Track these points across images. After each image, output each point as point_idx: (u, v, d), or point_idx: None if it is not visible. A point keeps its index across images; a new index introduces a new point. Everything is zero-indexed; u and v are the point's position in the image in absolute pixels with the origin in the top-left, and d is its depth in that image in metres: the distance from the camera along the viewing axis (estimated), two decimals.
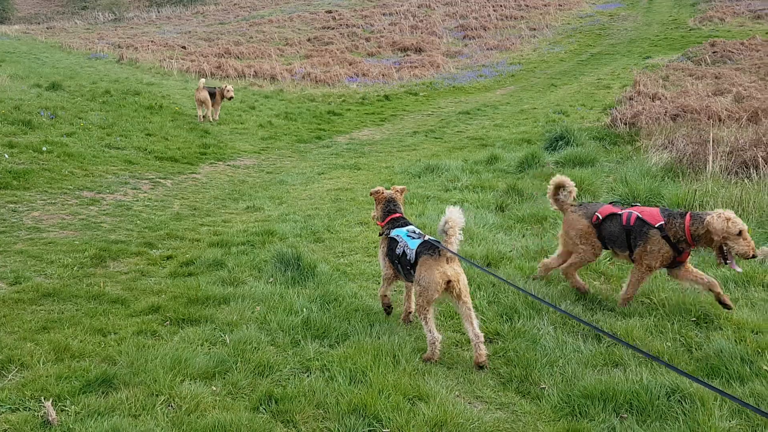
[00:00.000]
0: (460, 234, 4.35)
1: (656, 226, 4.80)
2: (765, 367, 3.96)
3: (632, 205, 5.17)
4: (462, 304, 4.36)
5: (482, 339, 4.30)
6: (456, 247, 4.33)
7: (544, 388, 3.97)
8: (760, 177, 7.36)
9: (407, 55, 29.50)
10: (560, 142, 11.34)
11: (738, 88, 14.64)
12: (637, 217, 4.91)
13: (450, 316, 5.03)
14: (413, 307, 4.90)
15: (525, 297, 5.13)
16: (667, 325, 4.61)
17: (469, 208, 7.93)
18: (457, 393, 4.00)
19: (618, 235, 5.01)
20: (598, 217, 5.11)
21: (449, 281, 4.31)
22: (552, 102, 18.64)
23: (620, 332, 4.53)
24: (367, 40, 33.26)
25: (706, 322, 4.64)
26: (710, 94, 14.73)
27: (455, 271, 4.36)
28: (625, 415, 3.62)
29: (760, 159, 7.64)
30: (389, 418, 3.61)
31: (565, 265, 5.31)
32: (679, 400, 3.67)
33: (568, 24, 36.25)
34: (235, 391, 4.01)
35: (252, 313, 5.12)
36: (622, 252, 5.07)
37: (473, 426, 3.58)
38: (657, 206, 5.34)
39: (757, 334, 4.42)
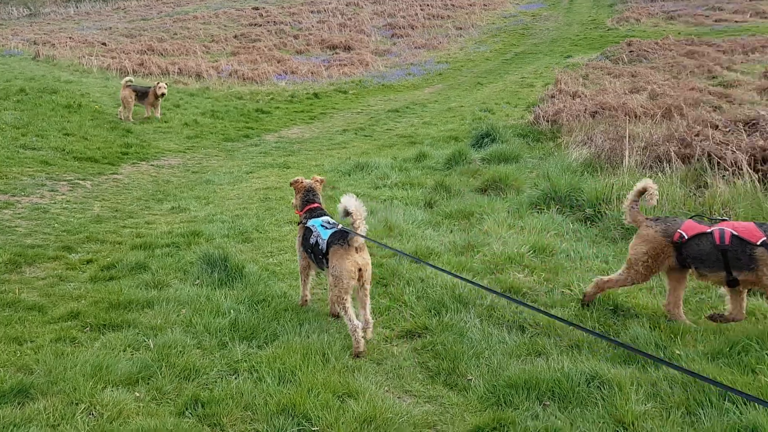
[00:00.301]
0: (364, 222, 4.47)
1: (759, 243, 4.25)
2: (678, 352, 4.17)
3: (721, 221, 4.61)
4: (362, 290, 4.57)
5: (371, 325, 4.58)
6: (364, 233, 4.44)
7: (470, 380, 4.06)
8: (672, 170, 7.73)
9: (336, 53, 29.43)
10: (486, 140, 11.59)
11: (653, 86, 15.32)
12: (733, 235, 4.36)
13: (380, 312, 5.06)
14: (309, 294, 5.20)
15: (452, 291, 5.22)
16: (587, 314, 4.79)
17: (399, 205, 8.01)
18: (386, 388, 4.04)
19: (710, 255, 4.42)
20: (682, 235, 4.54)
21: (360, 269, 4.43)
22: (478, 100, 19.01)
23: (543, 322, 4.68)
24: (296, 37, 32.98)
25: (623, 311, 4.85)
26: (627, 91, 15.35)
27: (365, 260, 4.52)
28: (548, 403, 3.74)
29: (672, 153, 8.02)
30: (319, 417, 3.60)
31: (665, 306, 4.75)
32: (598, 386, 3.81)
33: (493, 24, 37.03)
34: (159, 396, 3.91)
35: (177, 316, 5.00)
36: (715, 273, 4.47)
37: (402, 420, 3.63)
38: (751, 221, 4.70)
39: (670, 320, 4.65)
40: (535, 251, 6.18)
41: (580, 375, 3.90)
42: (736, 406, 3.46)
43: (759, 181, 7.16)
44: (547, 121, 12.63)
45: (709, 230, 4.47)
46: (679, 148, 8.16)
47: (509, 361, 4.23)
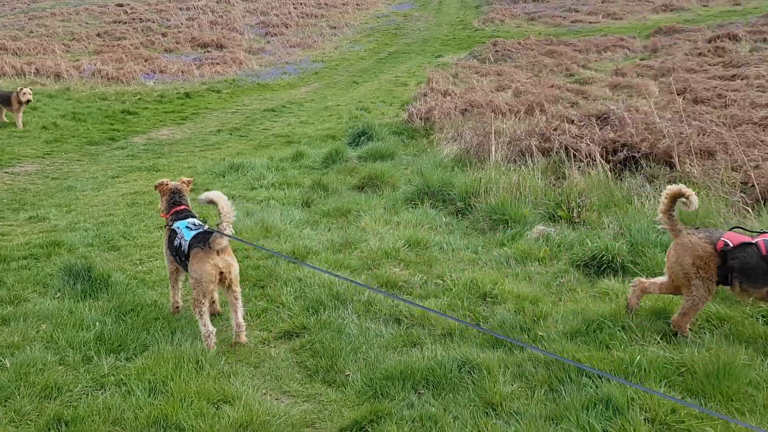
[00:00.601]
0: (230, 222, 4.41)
1: None
2: (540, 333, 4.44)
3: (762, 232, 4.27)
4: (231, 293, 4.49)
5: (243, 329, 4.53)
6: (230, 232, 4.37)
7: (348, 375, 4.10)
8: (534, 163, 8.20)
9: (208, 52, 28.55)
10: (363, 138, 11.71)
11: (517, 84, 16.14)
12: None
13: (257, 315, 4.99)
14: (180, 301, 5.05)
15: (330, 289, 5.24)
16: (459, 303, 4.97)
17: (276, 206, 7.92)
18: (264, 391, 3.99)
19: (756, 268, 4.04)
20: (726, 243, 4.14)
21: (221, 272, 4.34)
22: (355, 99, 19.16)
23: (418, 314, 4.80)
24: (164, 35, 31.67)
25: (491, 297, 5.08)
26: (494, 89, 16.06)
27: (227, 262, 4.44)
28: (422, 391, 3.85)
29: (534, 147, 8.51)
30: (192, 426, 3.50)
31: (676, 316, 4.34)
32: (469, 371, 3.98)
33: (367, 23, 37.47)
34: (18, 418, 3.65)
35: (36, 332, 4.67)
36: (759, 289, 4.11)
37: (280, 421, 3.60)
38: None
39: (534, 304, 4.93)
40: (410, 245, 6.33)
41: (452, 362, 4.05)
42: (593, 380, 3.74)
43: (610, 171, 7.75)
44: (421, 119, 12.96)
45: (753, 241, 4.11)
46: (540, 142, 8.67)
47: (386, 353, 4.32)
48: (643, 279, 4.61)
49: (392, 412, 3.63)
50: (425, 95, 15.97)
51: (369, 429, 3.54)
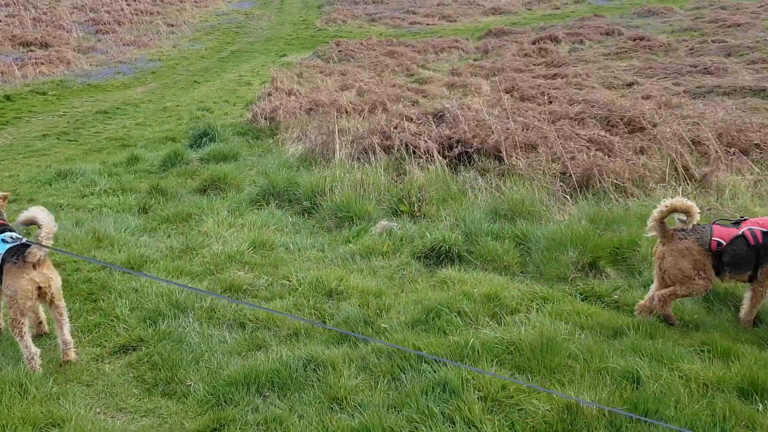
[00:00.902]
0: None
1: None
2: (384, 325, 4.57)
3: (743, 220, 4.57)
4: (54, 310, 4.24)
5: (72, 346, 4.27)
6: (49, 244, 4.11)
7: (190, 385, 3.98)
8: (377, 161, 8.41)
9: (31, 51, 26.21)
10: (205, 139, 11.36)
11: (360, 83, 16.43)
12: (763, 232, 4.36)
13: (88, 330, 4.69)
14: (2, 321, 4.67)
15: (169, 298, 5.04)
16: (305, 302, 4.99)
17: (109, 214, 7.47)
18: (98, 410, 3.77)
19: (744, 257, 4.38)
20: (719, 243, 4.41)
21: (40, 287, 4.07)
22: (196, 99, 18.51)
23: (263, 316, 4.75)
24: None
25: (337, 294, 5.15)
26: (338, 89, 16.24)
27: (46, 276, 4.16)
28: (268, 393, 3.83)
29: (376, 145, 8.72)
30: None
31: (667, 291, 4.53)
32: (314, 369, 4.01)
33: (207, 21, 36.32)
34: None
35: None
36: (743, 273, 4.46)
37: None
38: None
39: (378, 297, 5.06)
40: (255, 247, 6.25)
41: (297, 361, 4.07)
42: (431, 366, 3.91)
43: (447, 166, 8.13)
44: (265, 119, 12.81)
45: (740, 232, 4.41)
46: (382, 140, 8.89)
47: (230, 359, 4.24)
48: (642, 302, 4.68)
49: (236, 419, 3.58)
50: (270, 95, 15.78)
51: None
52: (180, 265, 5.81)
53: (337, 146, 9.02)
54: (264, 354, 4.23)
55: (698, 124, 8.16)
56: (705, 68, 15.04)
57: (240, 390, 3.83)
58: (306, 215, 7.40)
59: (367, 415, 3.52)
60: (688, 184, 6.81)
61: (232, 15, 38.47)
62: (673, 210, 4.47)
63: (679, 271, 4.48)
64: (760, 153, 7.66)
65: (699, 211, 4.49)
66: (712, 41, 18.63)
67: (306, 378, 3.94)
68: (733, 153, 7.43)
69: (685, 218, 4.52)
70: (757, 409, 3.51)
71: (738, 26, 20.71)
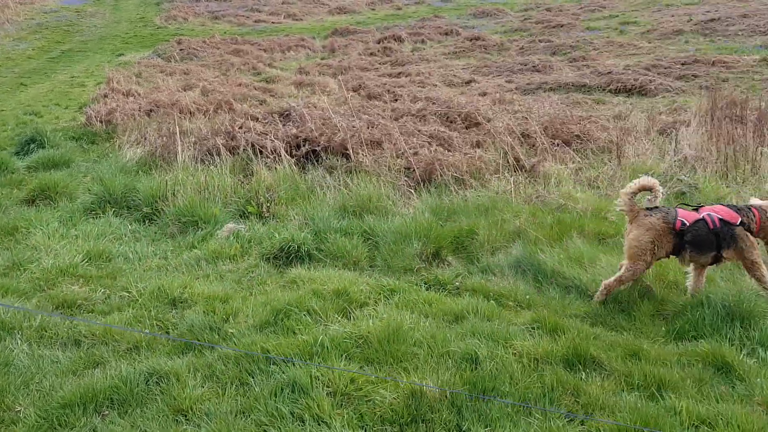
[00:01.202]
0: None
1: (738, 224, 4.72)
2: (231, 330, 4.47)
3: (700, 207, 4.93)
4: None
5: None
6: None
7: (19, 411, 3.66)
8: (222, 162, 8.20)
9: None
10: (33, 145, 10.48)
11: (204, 83, 15.94)
12: (721, 219, 4.73)
13: None
14: None
15: None
16: (146, 314, 4.76)
17: None
18: None
19: (705, 240, 4.73)
20: (683, 222, 4.74)
21: None
22: (23, 103, 17.01)
23: (99, 332, 4.48)
24: None
25: (182, 302, 4.96)
26: (181, 89, 15.64)
27: None
28: (107, 412, 3.61)
29: (221, 146, 8.50)
30: None
31: (612, 281, 4.85)
32: (157, 382, 3.84)
33: (33, 19, 33.45)
34: None
35: None
36: (705, 255, 4.79)
37: None
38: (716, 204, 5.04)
39: (225, 302, 4.94)
40: (90, 259, 5.87)
41: (138, 375, 3.87)
42: (279, 367, 3.89)
43: (295, 165, 8.12)
44: (101, 122, 12.04)
45: (701, 216, 4.76)
46: (227, 140, 8.69)
47: (64, 379, 3.95)
48: (606, 281, 4.90)
49: None
50: (106, 96, 14.84)
51: None
52: (5, 283, 5.32)
53: (179, 148, 8.69)
54: (102, 371, 3.98)
55: (527, 118, 8.78)
56: (533, 66, 16.20)
57: (76, 411, 3.58)
58: (147, 222, 7.06)
59: (214, 424, 3.43)
60: (519, 174, 7.30)
61: (61, 12, 35.77)
62: (642, 188, 4.81)
63: (638, 245, 4.78)
64: (581, 143, 8.40)
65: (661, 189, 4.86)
66: (539, 41, 20.10)
67: (148, 392, 3.77)
68: (557, 144, 8.08)
69: (651, 197, 4.85)
70: (581, 378, 3.85)
71: (561, 27, 22.50)
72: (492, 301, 4.85)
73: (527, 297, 4.96)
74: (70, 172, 8.99)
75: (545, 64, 16.15)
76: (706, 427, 3.39)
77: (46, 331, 4.54)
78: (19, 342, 4.38)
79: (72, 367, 4.10)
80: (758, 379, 3.79)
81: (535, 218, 6.13)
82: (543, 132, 8.24)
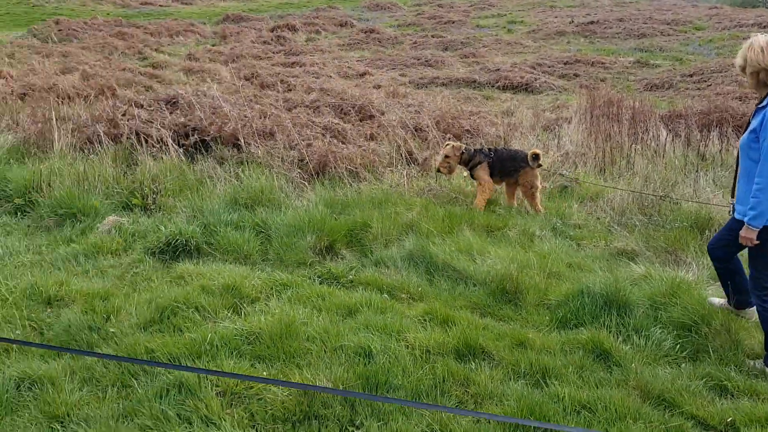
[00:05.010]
0: None
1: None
2: (111, 329, 4.23)
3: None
4: None
5: None
6: None
7: None
8: (104, 151, 7.75)
9: None
10: None
11: (85, 66, 15.02)
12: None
13: None
14: None
15: None
16: (16, 314, 4.41)
17: None
18: None
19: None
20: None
21: None
22: None
23: None
24: None
25: (57, 300, 4.64)
26: (59, 72, 14.69)
27: None
28: None
29: (103, 134, 8.03)
30: None
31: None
32: (29, 387, 3.58)
33: None
34: None
35: None
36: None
37: None
38: None
39: (105, 300, 4.66)
40: None
41: (8, 381, 3.59)
42: (166, 368, 3.72)
43: (183, 155, 7.80)
44: None
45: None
46: (109, 128, 8.22)
47: None
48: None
49: None
50: None
51: None
52: None
53: (56, 135, 8.14)
54: None
55: (419, 112, 8.90)
56: (426, 61, 16.49)
57: None
58: (20, 214, 6.57)
59: (94, 429, 3.23)
60: (412, 167, 7.40)
61: None
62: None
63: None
64: (471, 137, 8.62)
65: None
66: (432, 36, 20.49)
67: (20, 398, 3.49)
68: (449, 138, 8.25)
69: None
70: (471, 368, 3.94)
71: (452, 23, 23.04)
72: (385, 294, 4.88)
73: (419, 289, 5.02)
74: None
75: (438, 59, 16.48)
76: (587, 412, 3.57)
77: None
78: None
79: None
80: (633, 364, 4.03)
81: (428, 211, 6.23)
82: (435, 126, 8.39)
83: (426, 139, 8.17)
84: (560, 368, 3.96)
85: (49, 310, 4.54)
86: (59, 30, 20.83)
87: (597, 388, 3.79)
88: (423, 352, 4.05)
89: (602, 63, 16.47)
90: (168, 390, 3.51)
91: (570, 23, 22.90)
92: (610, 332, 4.40)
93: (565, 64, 16.47)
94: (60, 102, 10.48)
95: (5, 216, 6.50)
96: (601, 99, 9.38)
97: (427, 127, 8.29)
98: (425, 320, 4.49)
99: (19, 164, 7.65)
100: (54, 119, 8.40)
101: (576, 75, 15.41)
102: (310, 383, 3.53)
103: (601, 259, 5.61)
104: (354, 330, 4.24)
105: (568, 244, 5.98)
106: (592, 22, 22.49)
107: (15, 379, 3.60)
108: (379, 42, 19.99)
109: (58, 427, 3.32)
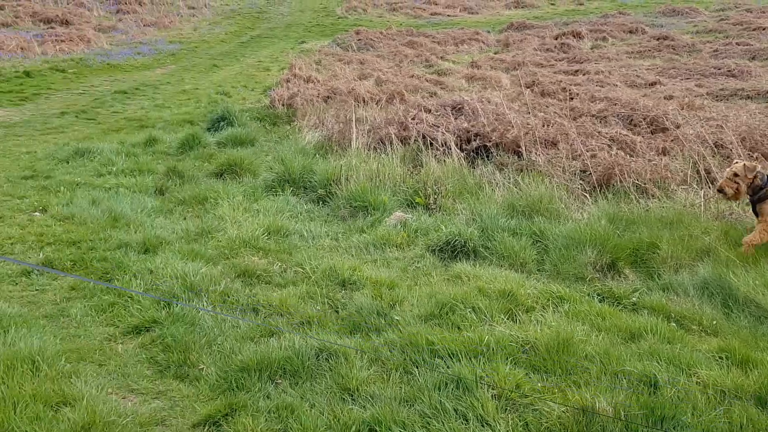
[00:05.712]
0: None
1: None
2: (396, 318, 4.53)
3: None
4: None
5: None
6: None
7: (202, 369, 3.97)
8: (393, 151, 8.35)
9: (52, 28, 26.33)
10: (222, 123, 11.35)
11: (378, 73, 16.35)
12: None
13: (102, 310, 4.69)
14: None
15: (184, 280, 5.03)
16: (317, 291, 4.96)
17: (126, 194, 7.48)
18: (109, 390, 3.76)
19: None
20: None
21: None
22: (215, 82, 18.50)
23: (276, 302, 4.74)
24: (1, 8, 28.83)
25: (351, 284, 5.11)
26: (356, 78, 16.18)
27: None
28: (280, 381, 3.81)
29: (393, 135, 8.66)
30: (27, 431, 3.22)
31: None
32: (326, 358, 3.98)
33: (227, 5, 36.28)
34: None
35: None
36: None
37: (126, 421, 3.41)
38: None
39: (391, 289, 5.02)
40: (269, 233, 6.23)
41: (310, 350, 4.04)
42: (444, 361, 3.87)
43: (464, 159, 8.06)
44: (283, 105, 12.78)
45: None
46: (399, 130, 8.83)
47: (243, 344, 4.22)
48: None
49: (248, 405, 3.56)
50: (288, 81, 15.73)
51: (223, 423, 3.45)
52: (195, 248, 5.80)
53: (354, 135, 8.97)
54: (276, 341, 4.20)
55: (721, 126, 8.02)
56: (729, 71, 14.82)
57: (252, 376, 3.81)
58: (321, 203, 7.36)
59: (379, 408, 3.49)
60: (709, 187, 6.70)
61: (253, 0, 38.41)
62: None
63: None
64: None
65: None
66: (737, 44, 18.35)
67: (318, 367, 3.92)
68: (756, 158, 7.30)
69: None
70: None
71: (763, 29, 20.38)
72: (673, 323, 4.49)
73: (714, 322, 4.53)
74: (254, 150, 9.62)
75: (743, 69, 14.71)
76: None
77: (228, 297, 4.88)
78: (205, 304, 4.74)
79: (250, 333, 4.36)
80: None
81: (728, 237, 5.59)
82: (740, 143, 7.49)
83: (728, 157, 7.32)
84: None
85: (343, 291, 5.02)
86: (359, 39, 22.95)
87: None
88: (717, 392, 3.63)
89: None
90: (447, 384, 3.65)
91: None
92: None
93: None
94: (357, 105, 11.56)
95: (309, 204, 7.35)
96: None
97: (731, 143, 7.44)
98: (720, 357, 4.03)
99: (323, 159, 8.60)
100: (353, 120, 9.28)
101: None
102: (589, 403, 3.39)
103: None
104: (637, 356, 3.98)
105: None
106: None
107: (315, 349, 4.03)
108: (673, 49, 18.50)
109: (349, 399, 3.65)
